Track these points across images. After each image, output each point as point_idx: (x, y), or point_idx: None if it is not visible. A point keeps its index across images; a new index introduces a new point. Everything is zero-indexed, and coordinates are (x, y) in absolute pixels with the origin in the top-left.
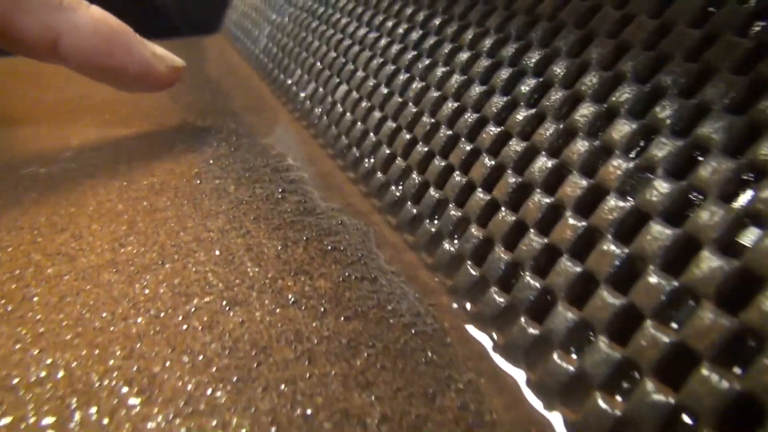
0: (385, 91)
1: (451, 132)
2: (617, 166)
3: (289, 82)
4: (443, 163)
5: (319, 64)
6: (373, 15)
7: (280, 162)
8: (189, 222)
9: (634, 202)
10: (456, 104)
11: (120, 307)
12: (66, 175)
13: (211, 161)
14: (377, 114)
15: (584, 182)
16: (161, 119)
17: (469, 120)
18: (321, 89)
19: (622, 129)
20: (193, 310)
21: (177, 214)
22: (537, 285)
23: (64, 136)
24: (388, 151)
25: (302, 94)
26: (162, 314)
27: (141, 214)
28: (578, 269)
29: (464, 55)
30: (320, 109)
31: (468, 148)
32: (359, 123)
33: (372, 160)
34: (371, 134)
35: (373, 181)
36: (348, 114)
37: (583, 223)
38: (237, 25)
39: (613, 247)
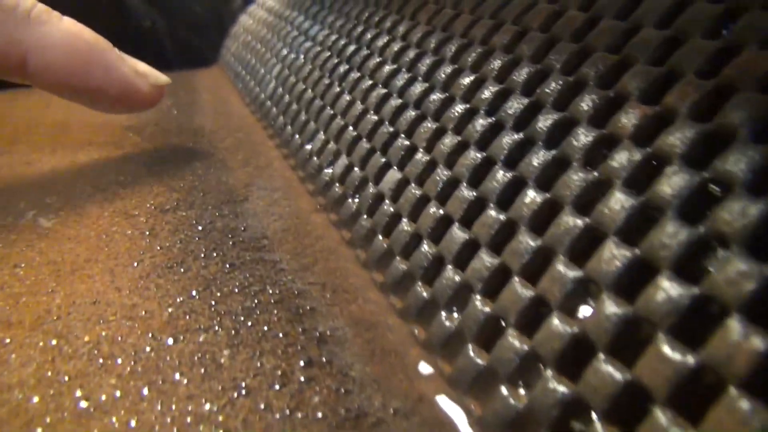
0: (468, 194)
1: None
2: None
3: (308, 148)
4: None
5: (351, 129)
6: (432, 61)
7: (301, 296)
8: None
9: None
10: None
11: None
12: None
13: (195, 293)
14: (459, 232)
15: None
16: (127, 206)
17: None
18: (357, 169)
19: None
20: None
21: None
22: None
23: None
24: (487, 309)
25: (328, 171)
26: None
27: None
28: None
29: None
30: (357, 200)
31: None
32: (426, 243)
33: (453, 314)
34: (449, 265)
35: (461, 358)
36: (405, 223)
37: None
38: (237, 59)
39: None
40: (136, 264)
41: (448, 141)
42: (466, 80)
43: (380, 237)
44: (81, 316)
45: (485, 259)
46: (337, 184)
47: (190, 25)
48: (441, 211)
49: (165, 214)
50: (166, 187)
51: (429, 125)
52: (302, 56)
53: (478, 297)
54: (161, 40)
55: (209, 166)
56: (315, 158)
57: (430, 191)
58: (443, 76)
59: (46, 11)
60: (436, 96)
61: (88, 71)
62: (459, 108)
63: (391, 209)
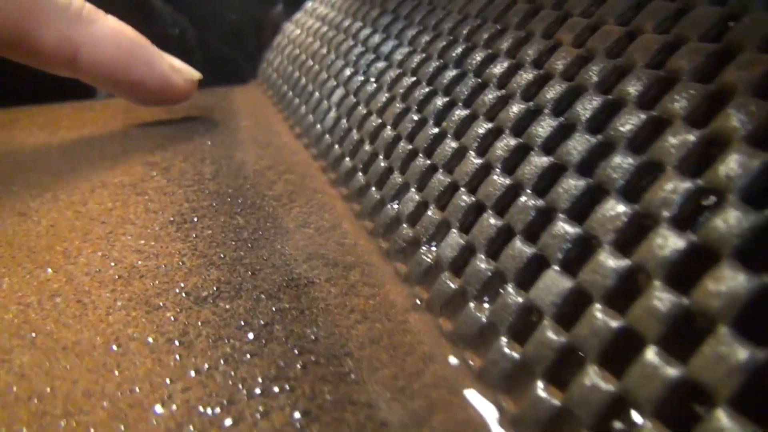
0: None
1: None
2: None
3: (394, 209)
4: None
5: (464, 192)
6: (602, 101)
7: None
8: None
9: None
10: None
11: None
12: None
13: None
14: (670, 372)
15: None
16: (149, 290)
17: None
18: (482, 256)
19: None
20: None
21: None
22: None
23: None
24: None
25: (430, 249)
26: None
27: None
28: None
29: None
30: (489, 306)
31: None
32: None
33: None
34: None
35: None
36: (595, 371)
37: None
38: (282, 76)
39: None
40: (160, 407)
41: (664, 241)
42: (680, 139)
43: (542, 383)
44: None
45: None
46: (447, 273)
47: (224, 34)
48: (656, 354)
49: (201, 307)
50: (202, 258)
51: (618, 209)
52: (373, 80)
53: None
54: (190, 51)
55: (257, 226)
56: (405, 226)
57: (640, 323)
58: (631, 127)
59: (95, 10)
60: (625, 162)
61: (131, 65)
62: (671, 186)
63: (563, 339)
